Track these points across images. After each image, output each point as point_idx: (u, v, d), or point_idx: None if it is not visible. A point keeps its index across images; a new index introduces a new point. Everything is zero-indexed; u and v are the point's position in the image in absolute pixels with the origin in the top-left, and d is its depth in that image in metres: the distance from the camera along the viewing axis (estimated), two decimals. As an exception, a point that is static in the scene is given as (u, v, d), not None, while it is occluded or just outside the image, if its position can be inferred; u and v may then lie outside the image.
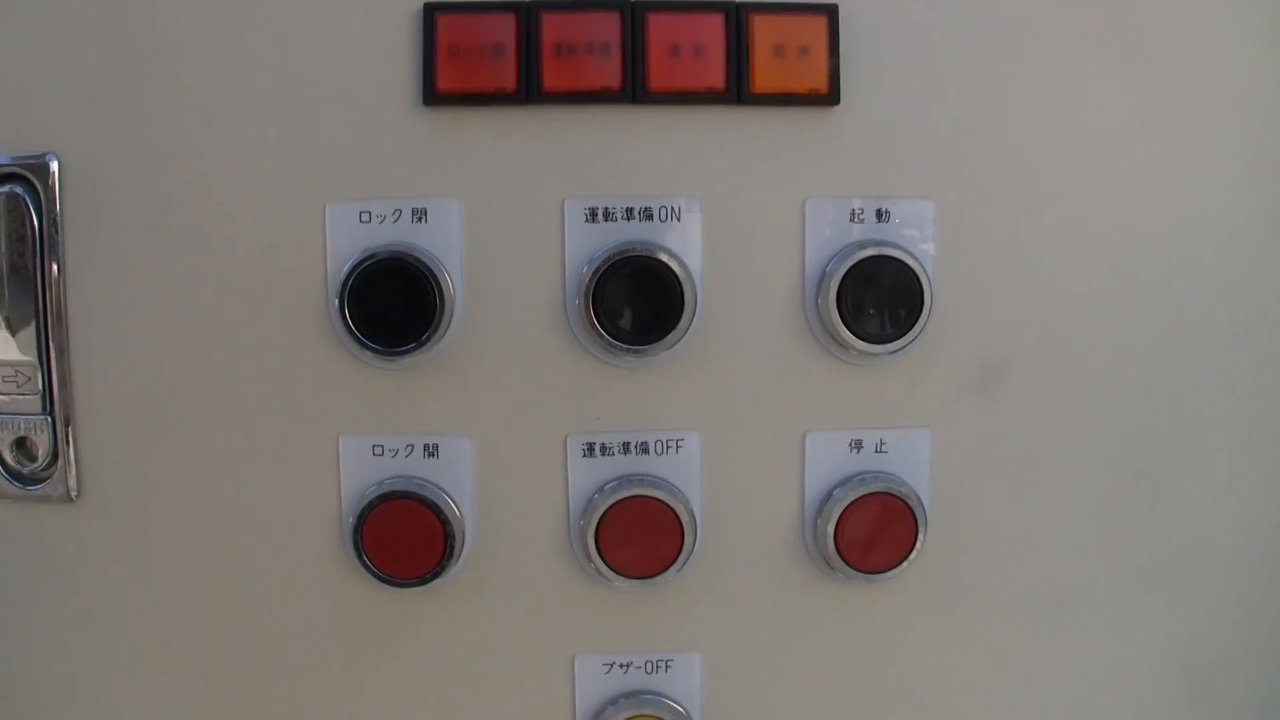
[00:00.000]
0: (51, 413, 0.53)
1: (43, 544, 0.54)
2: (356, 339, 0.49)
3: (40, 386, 0.52)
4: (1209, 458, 0.56)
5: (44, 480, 0.53)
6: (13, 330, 0.52)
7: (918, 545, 0.53)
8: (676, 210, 0.50)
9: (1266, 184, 0.54)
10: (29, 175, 0.51)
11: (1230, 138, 0.53)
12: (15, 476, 0.53)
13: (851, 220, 0.51)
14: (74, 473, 0.53)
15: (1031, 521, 0.55)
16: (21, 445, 0.53)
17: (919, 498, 0.53)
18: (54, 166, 0.51)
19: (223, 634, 0.54)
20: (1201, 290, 0.54)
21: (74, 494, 0.53)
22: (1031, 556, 0.55)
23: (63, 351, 0.52)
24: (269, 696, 0.54)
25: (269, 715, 0.54)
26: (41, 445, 0.53)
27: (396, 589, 0.52)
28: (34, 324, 0.52)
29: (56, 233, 0.51)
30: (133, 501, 0.53)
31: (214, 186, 0.50)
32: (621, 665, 0.54)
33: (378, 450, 0.52)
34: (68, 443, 0.53)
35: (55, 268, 0.51)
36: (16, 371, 0.52)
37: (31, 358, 0.52)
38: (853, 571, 0.53)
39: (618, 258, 0.49)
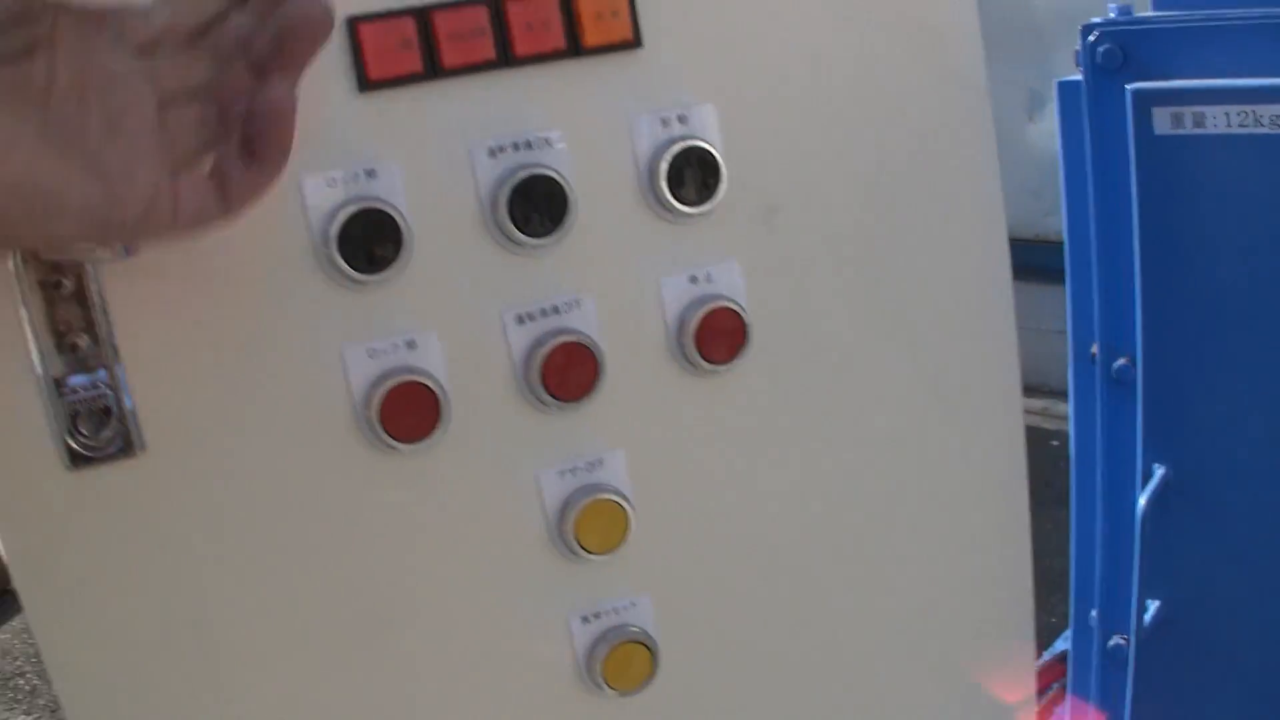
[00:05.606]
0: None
1: None
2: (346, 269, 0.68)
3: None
4: (916, 243, 0.84)
5: None
6: None
7: (748, 337, 0.78)
8: (548, 139, 0.73)
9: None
10: None
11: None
12: None
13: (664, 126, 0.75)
14: None
15: (817, 319, 0.81)
16: None
17: (742, 305, 0.77)
18: None
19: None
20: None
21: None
22: (820, 335, 0.82)
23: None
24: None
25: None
26: None
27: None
28: None
29: None
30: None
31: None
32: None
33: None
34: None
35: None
36: None
37: None
38: (708, 364, 0.77)
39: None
